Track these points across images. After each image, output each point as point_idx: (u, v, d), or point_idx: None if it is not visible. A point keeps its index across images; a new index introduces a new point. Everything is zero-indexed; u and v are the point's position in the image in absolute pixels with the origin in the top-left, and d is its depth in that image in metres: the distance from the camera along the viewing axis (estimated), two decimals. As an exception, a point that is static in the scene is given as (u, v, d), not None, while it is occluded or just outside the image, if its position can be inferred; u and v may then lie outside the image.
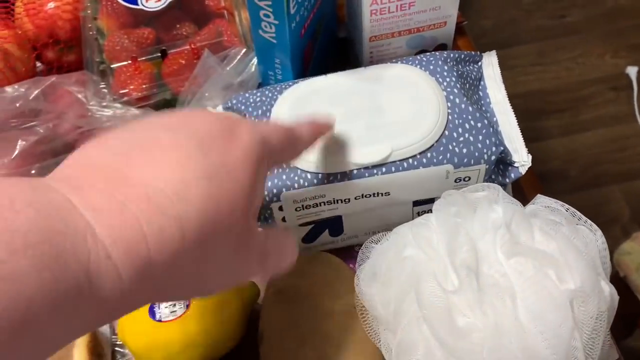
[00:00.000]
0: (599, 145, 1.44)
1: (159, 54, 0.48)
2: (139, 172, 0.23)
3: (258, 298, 0.43)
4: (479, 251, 0.33)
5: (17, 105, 0.44)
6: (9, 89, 0.46)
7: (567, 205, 0.38)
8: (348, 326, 0.38)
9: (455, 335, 0.31)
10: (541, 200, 0.38)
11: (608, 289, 0.33)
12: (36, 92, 0.46)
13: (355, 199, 0.39)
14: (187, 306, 0.39)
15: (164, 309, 0.39)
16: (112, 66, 0.49)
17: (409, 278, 0.34)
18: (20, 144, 0.41)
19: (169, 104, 0.50)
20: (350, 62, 0.54)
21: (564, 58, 1.61)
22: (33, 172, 0.41)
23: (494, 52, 0.45)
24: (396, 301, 0.34)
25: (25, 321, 0.18)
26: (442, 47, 0.48)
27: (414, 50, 0.48)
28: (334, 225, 0.42)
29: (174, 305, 0.39)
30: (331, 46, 0.55)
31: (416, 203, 0.41)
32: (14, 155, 0.40)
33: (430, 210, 0.38)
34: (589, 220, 0.37)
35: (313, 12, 0.45)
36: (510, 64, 1.58)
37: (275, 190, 0.39)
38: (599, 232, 0.36)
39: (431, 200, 0.38)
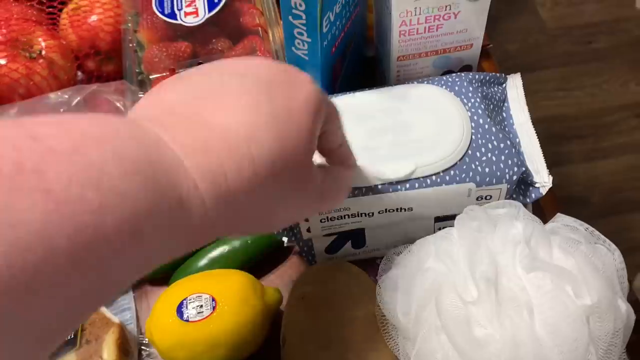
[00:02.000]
0: (621, 172, 1.44)
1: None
2: (214, 115, 0.25)
3: (281, 303, 0.44)
4: (498, 265, 0.34)
5: (61, 111, 0.46)
6: (52, 95, 0.49)
7: (586, 225, 0.39)
8: (368, 334, 0.39)
9: (473, 346, 0.32)
10: (561, 219, 0.39)
11: (625, 307, 0.33)
12: (78, 99, 0.48)
13: (379, 213, 0.41)
14: (214, 308, 0.41)
15: (191, 310, 0.41)
16: (150, 77, 0.51)
17: (430, 288, 0.35)
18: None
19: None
20: (377, 80, 0.56)
21: (589, 84, 1.62)
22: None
23: (518, 75, 0.46)
24: (416, 310, 0.36)
25: (133, 235, 0.20)
26: (467, 68, 0.50)
27: (440, 70, 0.49)
28: (357, 237, 0.44)
29: (201, 306, 0.41)
30: (359, 64, 0.57)
31: (438, 219, 0.42)
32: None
33: (451, 225, 0.39)
34: (607, 239, 0.38)
35: (344, 31, 0.47)
36: (533, 89, 1.59)
37: None
38: (617, 252, 0.37)
39: (453, 217, 0.39)
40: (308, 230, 0.42)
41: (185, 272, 0.48)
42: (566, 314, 0.31)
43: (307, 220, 0.41)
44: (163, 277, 0.49)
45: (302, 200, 0.30)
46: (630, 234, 1.32)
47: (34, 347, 0.18)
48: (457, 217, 0.38)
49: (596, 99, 1.59)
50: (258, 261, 0.48)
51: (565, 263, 0.34)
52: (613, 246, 0.38)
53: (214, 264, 0.47)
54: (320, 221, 0.42)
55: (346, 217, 0.41)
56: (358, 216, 0.41)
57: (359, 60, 0.57)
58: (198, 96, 0.26)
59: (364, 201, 0.40)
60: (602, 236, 0.38)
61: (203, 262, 0.48)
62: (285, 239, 0.44)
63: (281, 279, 0.49)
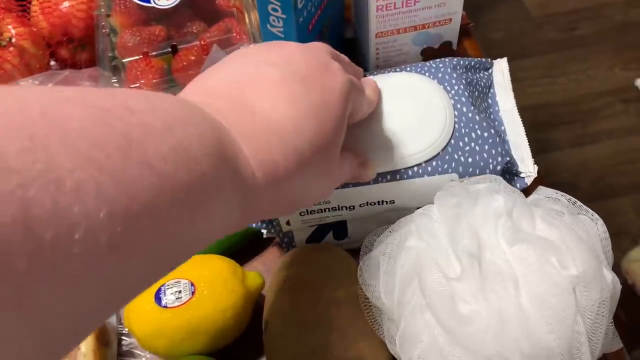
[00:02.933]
0: (608, 157, 1.44)
1: (170, 50, 0.49)
2: (257, 103, 0.27)
3: (263, 287, 0.43)
4: (480, 239, 0.33)
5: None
6: (22, 82, 0.47)
7: (568, 195, 0.38)
8: (352, 315, 0.38)
9: (459, 322, 0.31)
10: (543, 191, 0.39)
11: (610, 277, 0.33)
12: (50, 85, 0.47)
13: (360, 206, 0.40)
14: (193, 293, 0.40)
15: (169, 295, 0.40)
16: (123, 61, 0.50)
17: (412, 267, 0.34)
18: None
19: (178, 99, 0.51)
20: (357, 63, 0.55)
21: (574, 70, 1.62)
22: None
23: (504, 60, 0.45)
24: (399, 290, 0.35)
25: (206, 209, 0.22)
26: (447, 44, 0.49)
27: (419, 47, 0.49)
28: (339, 228, 0.43)
29: (180, 292, 0.40)
30: (338, 47, 0.56)
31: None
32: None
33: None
34: (590, 209, 0.37)
35: (320, 8, 0.46)
36: (519, 76, 1.58)
37: None
38: (600, 222, 0.36)
39: None
40: (287, 223, 0.41)
41: (164, 260, 0.46)
42: (552, 285, 0.31)
43: None
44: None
45: (329, 182, 0.32)
46: (617, 218, 1.32)
47: (110, 302, 0.19)
48: (437, 194, 0.37)
49: (582, 85, 1.59)
50: (239, 249, 0.47)
51: (549, 234, 0.33)
52: (596, 216, 0.37)
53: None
54: (300, 214, 0.40)
55: (326, 210, 0.40)
56: (339, 209, 0.40)
57: (338, 42, 0.56)
58: (238, 83, 0.28)
59: (344, 194, 0.39)
60: (585, 206, 0.38)
61: (183, 249, 0.46)
62: (264, 231, 0.43)
63: (263, 265, 0.48)
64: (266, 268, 0.47)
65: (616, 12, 1.72)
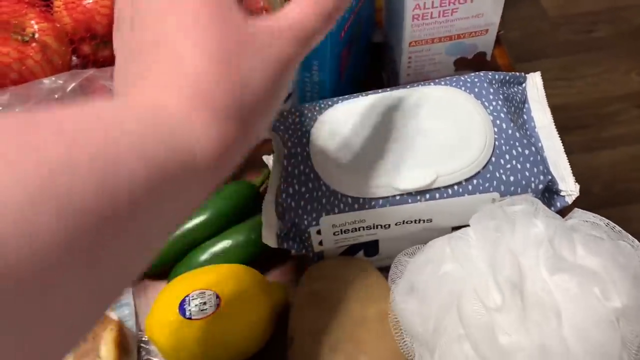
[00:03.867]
0: (623, 163, 1.43)
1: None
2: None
3: (287, 300, 0.42)
4: (521, 267, 0.32)
5: (56, 97, 0.44)
6: (46, 80, 0.46)
7: (606, 220, 0.37)
8: (381, 335, 0.37)
9: (499, 354, 0.30)
10: (580, 215, 0.38)
11: (654, 309, 0.32)
12: (73, 85, 0.46)
13: (396, 224, 0.39)
14: (218, 305, 0.39)
15: (194, 307, 0.39)
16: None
17: (449, 295, 0.33)
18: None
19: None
20: (387, 68, 0.54)
21: (589, 73, 1.60)
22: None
23: (538, 74, 0.44)
24: (436, 319, 0.34)
25: (162, 181, 0.22)
26: (481, 55, 0.48)
27: (453, 57, 0.47)
28: (370, 247, 0.42)
29: (204, 303, 0.39)
30: (366, 52, 0.55)
31: (456, 228, 0.40)
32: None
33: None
34: (630, 235, 0.36)
35: (353, 14, 0.44)
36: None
37: (314, 215, 0.38)
38: (641, 250, 0.35)
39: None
40: (320, 243, 0.40)
41: (185, 266, 0.46)
42: (595, 317, 0.30)
43: (319, 233, 0.39)
44: (162, 271, 0.47)
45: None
46: (631, 225, 1.30)
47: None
48: (474, 217, 0.36)
49: (597, 88, 1.57)
50: (262, 256, 0.46)
51: (591, 263, 0.32)
52: (636, 242, 0.36)
53: (216, 259, 0.45)
54: (334, 234, 0.39)
55: (361, 229, 0.39)
56: (374, 228, 0.39)
57: (366, 47, 0.55)
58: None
59: (380, 213, 0.38)
60: (624, 232, 0.37)
61: (204, 257, 0.46)
62: (293, 251, 0.42)
63: (286, 275, 0.47)
64: (288, 279, 0.47)
65: (635, 15, 1.70)
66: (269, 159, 0.50)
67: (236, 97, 0.25)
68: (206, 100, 0.24)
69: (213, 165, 0.24)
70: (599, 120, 1.51)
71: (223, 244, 0.46)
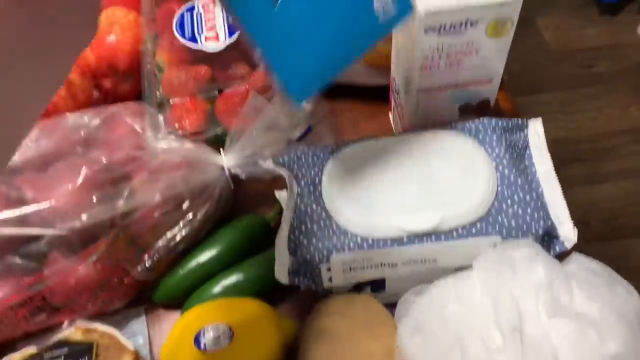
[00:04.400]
0: (620, 197, 1.45)
1: (216, 93, 0.51)
2: None
3: (296, 335, 0.44)
4: (521, 310, 0.34)
5: (82, 133, 0.46)
6: (71, 116, 0.48)
7: (603, 265, 0.39)
8: (386, 370, 0.39)
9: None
10: (577, 259, 0.40)
11: (647, 354, 0.33)
12: (97, 121, 0.48)
13: (403, 264, 0.41)
14: (231, 338, 0.41)
15: (209, 340, 0.41)
16: (169, 100, 0.51)
17: (454, 335, 0.35)
18: (84, 171, 0.43)
19: (219, 139, 0.52)
20: (394, 110, 0.56)
21: (589, 107, 1.63)
22: (94, 200, 0.43)
23: (539, 120, 0.46)
24: (441, 357, 0.35)
25: None
26: (485, 101, 0.50)
27: (458, 103, 0.50)
28: (377, 284, 0.44)
29: (219, 337, 0.41)
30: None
31: (459, 268, 0.42)
32: (78, 183, 0.42)
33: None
34: (625, 280, 0.38)
35: None
36: (535, 110, 1.60)
37: (325, 252, 0.40)
38: (636, 294, 0.37)
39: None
40: (330, 279, 0.42)
41: (199, 298, 0.47)
42: (591, 361, 0.32)
43: (329, 270, 0.41)
44: (176, 302, 0.49)
45: None
46: (628, 260, 1.33)
47: None
48: (477, 261, 0.38)
49: (597, 122, 1.60)
50: (272, 290, 0.48)
51: (588, 308, 0.34)
52: (631, 288, 0.38)
53: (228, 292, 0.47)
54: (343, 271, 0.41)
55: (369, 267, 0.41)
56: (381, 266, 0.41)
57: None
58: None
59: (388, 252, 0.40)
60: (620, 277, 0.39)
61: (217, 289, 0.48)
62: (301, 286, 0.44)
63: (295, 309, 0.49)
64: (297, 312, 0.48)
65: (634, 52, 1.73)
66: (281, 195, 0.52)
67: None
68: None
69: None
70: (598, 154, 1.53)
71: (236, 278, 0.48)
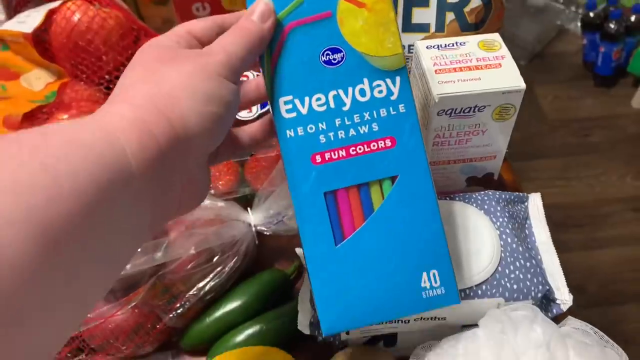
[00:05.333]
0: (617, 263, 1.49)
1: (247, 157, 0.56)
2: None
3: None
4: (522, 365, 0.38)
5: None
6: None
7: (595, 329, 0.43)
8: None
9: None
10: (572, 322, 0.44)
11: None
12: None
13: (415, 320, 0.45)
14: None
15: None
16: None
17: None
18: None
19: (246, 198, 0.57)
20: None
21: (586, 175, 1.69)
22: (139, 250, 0.47)
23: (538, 195, 0.52)
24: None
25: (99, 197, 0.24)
26: (490, 175, 0.56)
27: (465, 175, 0.55)
28: (390, 338, 0.48)
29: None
30: None
31: (465, 326, 0.46)
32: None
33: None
34: (615, 344, 0.43)
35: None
36: (533, 176, 1.66)
37: None
38: (625, 356, 0.41)
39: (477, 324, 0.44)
40: (347, 332, 0.46)
41: (223, 346, 0.51)
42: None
43: None
44: (201, 349, 0.53)
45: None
46: (624, 325, 1.36)
47: None
48: (482, 320, 0.42)
49: (593, 190, 1.66)
50: (291, 339, 0.52)
51: (581, 366, 0.39)
52: (620, 350, 0.42)
53: (252, 340, 0.51)
54: None
55: (384, 323, 0.45)
56: (395, 322, 0.45)
57: None
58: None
59: None
60: (611, 340, 0.43)
61: (240, 337, 0.52)
62: (320, 337, 0.48)
63: (313, 358, 0.52)
64: (315, 362, 0.52)
65: (629, 123, 1.81)
66: (301, 252, 0.57)
67: (153, 92, 0.29)
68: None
69: (141, 168, 0.27)
70: (594, 220, 1.58)
71: (258, 327, 0.52)
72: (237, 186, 0.57)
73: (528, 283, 0.45)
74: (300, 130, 0.35)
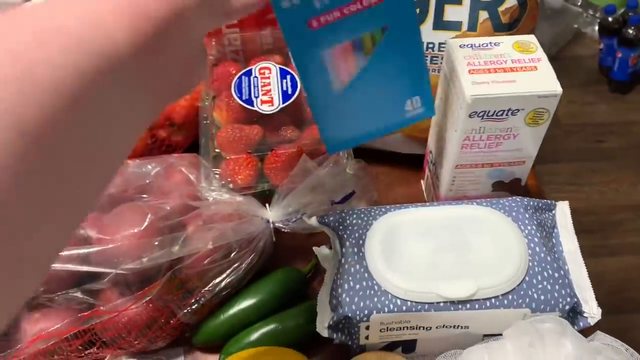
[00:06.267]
0: (627, 271, 1.47)
1: (269, 152, 0.55)
2: None
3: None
4: (552, 380, 0.37)
5: (147, 182, 0.50)
6: (134, 162, 0.52)
7: (626, 345, 0.42)
8: None
9: None
10: (601, 337, 0.43)
11: None
12: (158, 169, 0.52)
13: (436, 328, 0.44)
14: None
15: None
16: (224, 155, 0.55)
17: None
18: (149, 217, 0.46)
19: (265, 194, 0.56)
20: (427, 180, 0.60)
21: (598, 181, 1.67)
22: (156, 243, 0.46)
23: (566, 203, 0.50)
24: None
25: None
26: (517, 180, 0.54)
27: (492, 180, 0.54)
28: (409, 344, 0.47)
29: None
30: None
31: (487, 335, 0.45)
32: (144, 226, 0.46)
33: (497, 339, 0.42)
34: (645, 362, 0.41)
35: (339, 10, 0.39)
36: (545, 180, 1.64)
37: (366, 312, 0.44)
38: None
39: (500, 334, 0.42)
40: (367, 337, 0.45)
41: (238, 343, 0.50)
42: None
43: (367, 328, 0.44)
44: (214, 346, 0.51)
45: None
46: (633, 333, 1.34)
47: None
48: (508, 331, 0.41)
49: (605, 196, 1.64)
50: (306, 340, 0.51)
51: (612, 384, 0.37)
52: (650, 369, 0.41)
53: (266, 340, 0.50)
54: (380, 330, 0.44)
55: (405, 328, 0.44)
56: (416, 329, 0.44)
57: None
58: None
59: (425, 316, 0.43)
60: None
61: (255, 336, 0.50)
62: (336, 340, 0.46)
63: (327, 361, 0.51)
64: (328, 365, 0.51)
65: (642, 130, 1.79)
66: (319, 251, 0.55)
67: None
68: None
69: (134, 53, 0.24)
70: (605, 227, 1.57)
71: (273, 327, 0.51)
72: (256, 181, 0.55)
73: (556, 294, 0.44)
74: None
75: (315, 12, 0.36)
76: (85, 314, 0.45)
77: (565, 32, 2.07)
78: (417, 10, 0.55)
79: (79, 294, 0.45)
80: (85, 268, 0.45)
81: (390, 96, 0.42)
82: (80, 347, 0.47)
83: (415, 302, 0.44)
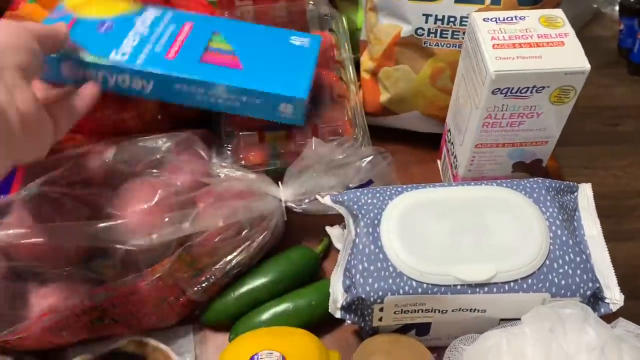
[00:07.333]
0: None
1: (280, 131, 0.53)
2: None
3: (343, 369, 0.46)
4: (573, 368, 0.36)
5: (157, 157, 0.49)
6: (147, 138, 0.51)
7: (648, 332, 0.41)
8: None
9: None
10: (624, 324, 0.41)
11: None
12: (169, 144, 0.51)
13: (452, 311, 0.43)
14: (284, 367, 0.42)
15: (263, 366, 0.42)
16: (238, 132, 0.54)
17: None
18: (160, 193, 0.45)
19: (276, 172, 0.54)
20: (443, 159, 0.59)
21: (613, 165, 1.65)
22: (166, 219, 0.45)
23: (589, 185, 0.49)
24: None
25: None
26: (538, 161, 0.53)
27: (512, 160, 0.52)
28: (423, 327, 0.46)
29: (273, 364, 0.42)
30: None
31: (503, 319, 0.44)
32: (154, 202, 0.45)
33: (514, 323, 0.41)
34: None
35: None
36: (560, 163, 1.61)
37: (380, 293, 0.42)
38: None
39: (517, 318, 0.41)
40: (380, 319, 0.44)
41: (248, 323, 0.49)
42: None
43: (381, 310, 0.43)
44: (224, 324, 0.51)
45: None
46: (645, 320, 1.33)
47: None
48: (527, 316, 0.40)
49: (620, 180, 1.61)
50: (318, 321, 0.50)
51: (637, 373, 0.36)
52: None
53: (276, 320, 0.49)
54: (394, 313, 0.43)
55: (420, 311, 0.43)
56: (432, 312, 0.43)
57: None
58: None
59: (441, 299, 0.42)
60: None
61: (266, 316, 0.49)
62: (348, 321, 0.46)
63: (339, 342, 0.50)
64: (341, 345, 0.50)
65: (660, 114, 1.76)
66: (331, 231, 0.54)
67: None
68: None
69: None
70: (618, 212, 1.54)
71: (285, 307, 0.50)
72: (269, 158, 0.54)
73: (577, 279, 0.42)
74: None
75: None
76: (95, 289, 0.44)
77: (584, 12, 2.02)
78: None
79: (89, 271, 0.44)
80: (94, 243, 0.44)
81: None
82: (89, 323, 0.46)
83: (432, 284, 0.42)
